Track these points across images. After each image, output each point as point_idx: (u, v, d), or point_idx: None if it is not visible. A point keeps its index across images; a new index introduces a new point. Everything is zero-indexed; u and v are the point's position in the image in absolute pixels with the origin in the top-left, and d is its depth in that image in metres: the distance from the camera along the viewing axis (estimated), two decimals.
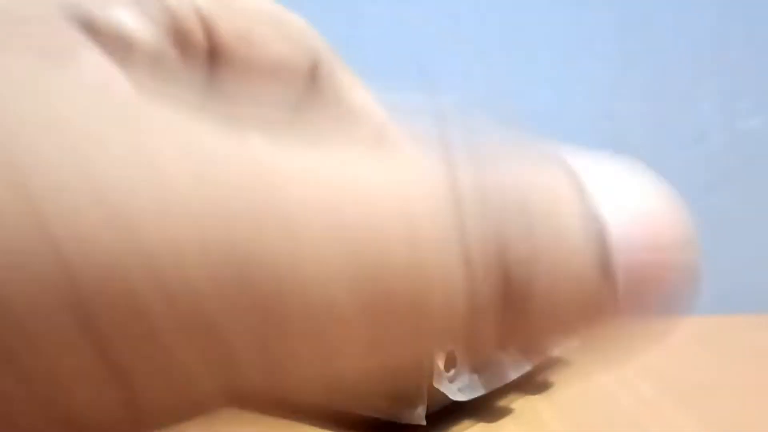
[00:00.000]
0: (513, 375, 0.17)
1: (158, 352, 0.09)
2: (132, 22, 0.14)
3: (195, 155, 0.09)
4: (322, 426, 0.16)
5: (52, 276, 0.08)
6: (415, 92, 0.30)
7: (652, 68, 0.30)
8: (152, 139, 0.09)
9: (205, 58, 0.17)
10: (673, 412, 0.17)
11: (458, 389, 0.17)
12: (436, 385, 0.16)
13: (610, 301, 0.10)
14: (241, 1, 0.17)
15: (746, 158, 0.31)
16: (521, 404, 0.18)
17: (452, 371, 0.16)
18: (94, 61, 0.12)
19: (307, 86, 0.19)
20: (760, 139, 0.31)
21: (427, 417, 0.16)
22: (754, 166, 0.31)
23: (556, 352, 0.18)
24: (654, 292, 0.10)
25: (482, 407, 0.17)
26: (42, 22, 0.12)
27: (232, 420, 0.14)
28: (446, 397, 0.16)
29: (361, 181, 0.09)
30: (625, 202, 0.10)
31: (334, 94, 0.20)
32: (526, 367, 0.17)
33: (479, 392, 0.17)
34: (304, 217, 0.09)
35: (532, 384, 0.19)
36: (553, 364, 0.18)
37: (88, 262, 0.08)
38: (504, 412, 0.17)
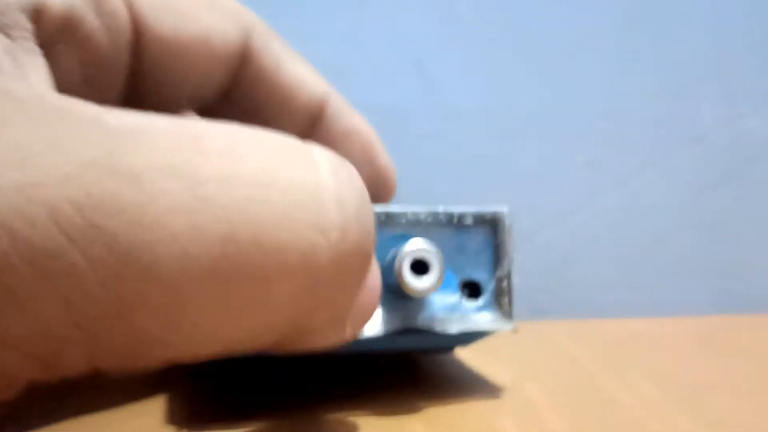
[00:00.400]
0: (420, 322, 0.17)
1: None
2: None
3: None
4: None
5: None
6: (414, 91, 0.30)
7: (652, 68, 0.30)
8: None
9: (129, 28, 0.17)
10: (673, 412, 0.17)
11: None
12: None
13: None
14: None
15: (746, 158, 0.31)
16: (521, 403, 0.18)
17: None
18: None
19: (243, 58, 0.19)
20: (760, 140, 0.31)
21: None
22: (755, 167, 0.31)
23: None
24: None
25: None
26: None
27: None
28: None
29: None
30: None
31: (270, 66, 0.20)
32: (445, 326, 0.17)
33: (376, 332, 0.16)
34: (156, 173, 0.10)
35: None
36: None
37: None
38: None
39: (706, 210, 0.30)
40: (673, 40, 0.30)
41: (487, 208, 0.18)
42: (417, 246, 0.16)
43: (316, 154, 0.12)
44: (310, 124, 0.21)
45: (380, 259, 0.16)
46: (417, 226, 0.17)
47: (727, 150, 0.30)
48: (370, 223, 0.12)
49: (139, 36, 0.17)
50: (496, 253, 0.18)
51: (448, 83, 0.30)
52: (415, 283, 0.16)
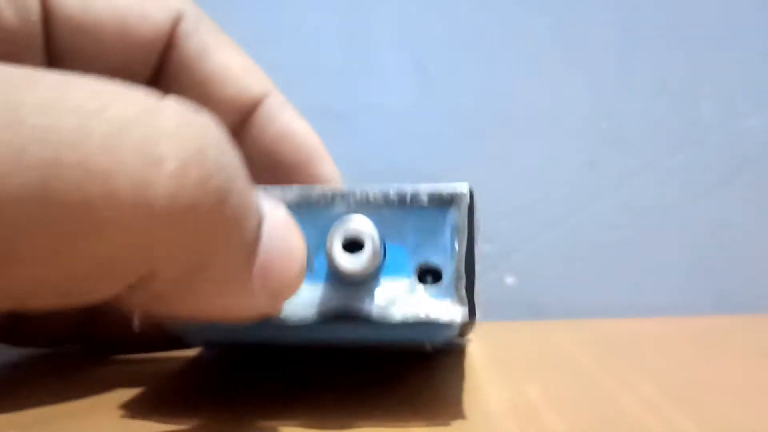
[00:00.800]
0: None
1: None
2: None
3: None
4: None
5: None
6: (414, 89, 0.30)
7: (652, 68, 0.30)
8: None
9: (38, 5, 0.17)
10: (672, 412, 0.17)
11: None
12: None
13: (251, 264, 0.12)
14: None
15: (746, 158, 0.31)
16: (520, 405, 0.18)
17: None
18: None
19: (167, 43, 0.19)
20: (760, 140, 0.31)
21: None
22: (754, 167, 0.31)
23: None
24: (276, 278, 0.13)
25: None
26: None
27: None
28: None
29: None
30: (276, 224, 0.13)
31: (196, 52, 0.19)
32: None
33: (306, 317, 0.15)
34: None
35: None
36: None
37: None
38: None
39: (706, 210, 0.30)
40: (673, 41, 0.30)
41: (445, 186, 0.16)
42: (350, 224, 0.15)
43: (165, 99, 0.11)
44: (238, 122, 0.19)
45: (323, 247, 0.15)
46: (367, 206, 0.16)
47: (727, 150, 0.31)
48: (228, 169, 0.11)
49: (48, 13, 0.17)
50: (458, 235, 0.16)
51: (447, 83, 0.30)
52: (345, 262, 0.14)
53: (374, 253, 0.15)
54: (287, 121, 0.20)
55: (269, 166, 0.20)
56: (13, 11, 0.16)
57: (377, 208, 0.16)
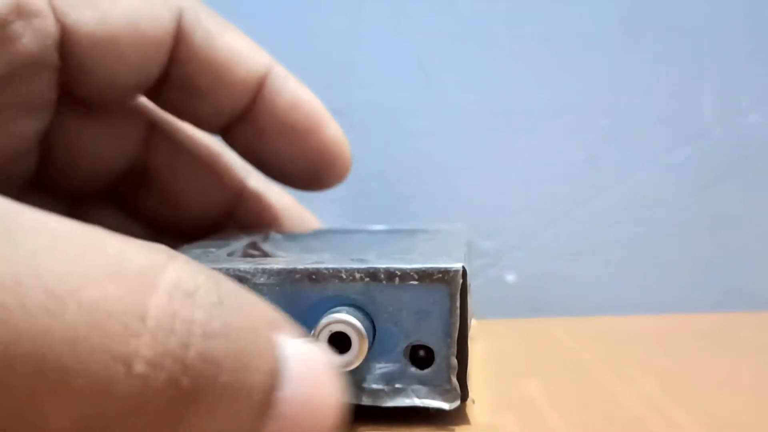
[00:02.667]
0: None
1: None
2: None
3: None
4: None
5: None
6: (415, 87, 0.30)
7: (653, 64, 0.30)
8: None
9: (56, 27, 0.17)
10: (674, 410, 0.17)
11: None
12: None
13: None
14: None
15: (747, 154, 0.31)
16: (521, 402, 0.18)
17: None
18: None
19: (176, 37, 0.19)
20: (761, 136, 0.30)
21: None
22: (756, 163, 0.31)
23: None
24: None
25: None
26: None
27: None
28: None
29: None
30: (302, 372, 0.12)
31: (204, 41, 0.20)
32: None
33: None
34: None
35: None
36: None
37: None
38: None
39: (708, 206, 0.30)
40: (674, 36, 0.30)
41: (438, 264, 0.15)
42: (336, 318, 0.14)
43: (167, 270, 0.10)
44: (250, 98, 0.20)
45: (309, 327, 0.14)
46: (354, 284, 0.15)
47: (728, 146, 0.30)
48: (215, 358, 0.10)
49: (65, 33, 0.17)
50: (450, 317, 0.15)
51: (448, 80, 0.30)
52: (332, 360, 0.14)
53: (360, 351, 0.14)
54: (293, 90, 0.20)
55: (282, 133, 0.20)
56: (31, 37, 0.16)
57: (365, 286, 0.15)
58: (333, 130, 0.21)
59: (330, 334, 0.14)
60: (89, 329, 0.09)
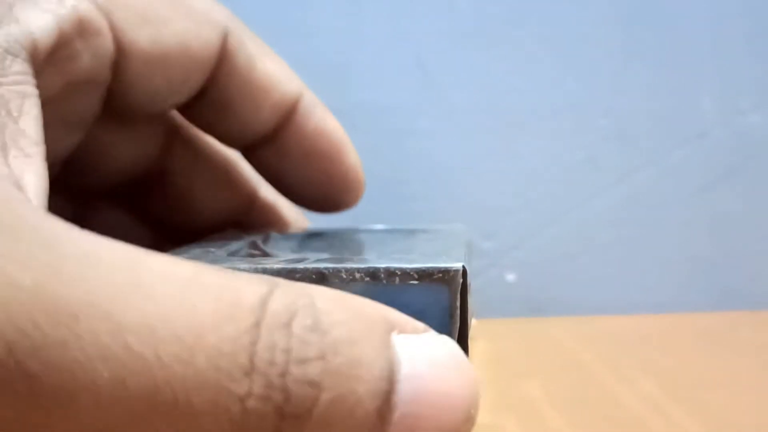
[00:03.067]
0: None
1: None
2: (33, 17, 0.15)
3: None
4: None
5: None
6: (415, 87, 0.30)
7: (653, 64, 0.30)
8: None
9: (112, 47, 0.17)
10: (674, 409, 0.17)
11: None
12: None
13: None
14: None
15: (748, 155, 0.31)
16: (521, 402, 0.18)
17: None
18: None
19: (219, 58, 0.20)
20: (761, 136, 0.31)
21: None
22: (756, 163, 0.31)
23: None
24: None
25: None
26: None
27: None
28: None
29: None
30: (421, 370, 0.12)
31: (245, 64, 0.20)
32: None
33: None
34: None
35: None
36: None
37: None
38: None
39: (708, 207, 0.30)
40: (674, 36, 0.30)
41: (439, 263, 0.15)
42: None
43: (269, 303, 0.11)
44: (282, 122, 0.21)
45: None
46: (354, 284, 0.15)
47: (728, 146, 0.30)
48: (321, 382, 0.11)
49: (120, 52, 0.17)
50: (450, 317, 0.15)
51: (448, 80, 0.30)
52: None
53: None
54: (320, 117, 0.21)
55: (306, 158, 0.21)
56: (90, 56, 0.16)
57: (365, 286, 0.15)
58: (353, 157, 0.22)
59: None
60: (215, 373, 0.10)
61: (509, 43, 0.30)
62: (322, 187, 0.22)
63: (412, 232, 0.22)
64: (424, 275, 0.15)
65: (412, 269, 0.15)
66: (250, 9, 0.29)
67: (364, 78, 0.30)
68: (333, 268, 0.15)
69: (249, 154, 0.22)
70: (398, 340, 0.12)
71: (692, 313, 0.29)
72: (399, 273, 0.15)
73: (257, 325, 0.11)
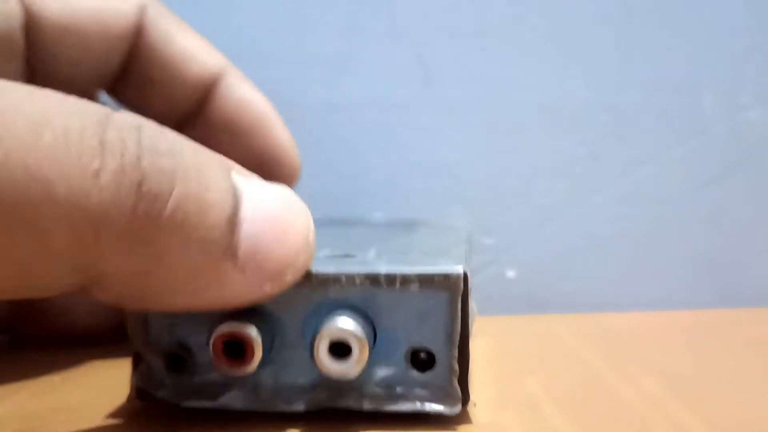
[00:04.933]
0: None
1: None
2: None
3: None
4: None
5: None
6: (415, 83, 0.30)
7: (653, 60, 0.30)
8: None
9: (21, 12, 0.18)
10: (675, 406, 0.17)
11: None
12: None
13: (229, 254, 0.13)
14: None
15: (748, 151, 0.30)
16: (522, 400, 0.18)
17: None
18: None
19: (136, 32, 0.20)
20: (762, 132, 0.30)
21: None
22: (757, 159, 0.30)
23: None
24: (267, 261, 0.13)
25: None
26: None
27: None
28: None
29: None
30: (261, 196, 0.14)
31: (163, 38, 0.21)
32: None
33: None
34: None
35: None
36: None
37: None
38: None
39: (708, 203, 0.30)
40: (674, 32, 0.30)
41: (440, 267, 0.15)
42: (336, 327, 0.14)
43: (114, 113, 0.12)
44: (202, 96, 0.21)
45: (309, 331, 0.15)
46: (354, 289, 0.15)
47: (728, 142, 0.30)
48: (168, 171, 0.12)
49: (31, 17, 0.18)
50: (451, 321, 0.15)
51: (449, 76, 0.30)
52: (332, 368, 0.14)
53: (361, 358, 0.14)
54: (243, 91, 0.22)
55: (230, 132, 0.22)
56: None
57: (365, 291, 0.15)
58: (280, 133, 0.22)
59: (330, 341, 0.14)
60: (64, 150, 0.11)
61: (510, 39, 0.30)
62: (250, 164, 0.21)
63: (411, 226, 0.22)
64: (426, 280, 0.15)
65: (413, 275, 0.15)
66: (251, 8, 0.29)
67: (365, 74, 0.30)
68: (333, 274, 0.15)
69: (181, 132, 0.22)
70: (237, 176, 0.14)
71: (694, 310, 0.29)
72: (400, 278, 0.15)
73: (103, 125, 0.12)
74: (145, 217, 0.12)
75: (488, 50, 0.30)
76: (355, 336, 0.14)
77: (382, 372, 0.15)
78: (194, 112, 0.21)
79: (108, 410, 0.16)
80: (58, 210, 0.11)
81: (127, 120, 0.12)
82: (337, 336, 0.14)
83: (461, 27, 0.30)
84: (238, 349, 0.14)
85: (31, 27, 0.18)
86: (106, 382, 0.19)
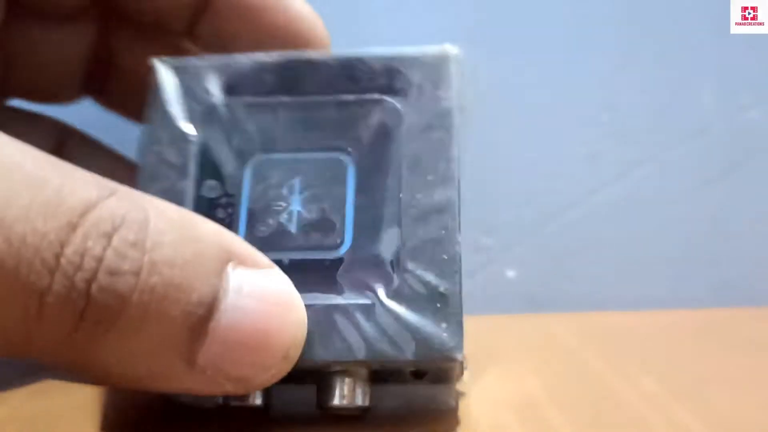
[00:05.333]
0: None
1: None
2: None
3: None
4: None
5: None
6: None
7: (653, 60, 0.30)
8: None
9: None
10: (674, 405, 0.17)
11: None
12: None
13: (186, 360, 0.12)
14: None
15: (748, 151, 0.30)
16: (522, 399, 0.18)
17: None
18: None
19: None
20: (762, 132, 0.30)
21: None
22: (756, 159, 0.30)
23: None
24: (233, 369, 0.12)
25: None
26: None
27: None
28: None
29: None
30: (246, 303, 0.12)
31: None
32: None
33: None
34: None
35: None
36: None
37: None
38: None
39: (708, 202, 0.30)
40: (674, 32, 0.30)
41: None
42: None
43: (95, 209, 0.12)
44: None
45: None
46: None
47: (728, 142, 0.30)
48: (128, 296, 0.11)
49: None
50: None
51: None
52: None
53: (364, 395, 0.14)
54: None
55: (242, 18, 0.20)
56: None
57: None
58: (297, 4, 0.20)
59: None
60: (14, 260, 0.11)
61: (509, 38, 0.30)
62: (275, 45, 0.20)
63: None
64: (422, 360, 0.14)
65: (407, 362, 0.14)
66: None
67: None
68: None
69: (194, 38, 0.21)
70: (232, 271, 0.12)
71: (693, 309, 0.29)
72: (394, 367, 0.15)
73: (72, 227, 0.11)
74: (82, 340, 0.11)
75: (487, 50, 0.30)
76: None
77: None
78: (202, 7, 0.20)
79: (108, 412, 0.16)
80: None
81: (106, 217, 0.11)
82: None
83: (459, 27, 0.30)
84: None
85: None
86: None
